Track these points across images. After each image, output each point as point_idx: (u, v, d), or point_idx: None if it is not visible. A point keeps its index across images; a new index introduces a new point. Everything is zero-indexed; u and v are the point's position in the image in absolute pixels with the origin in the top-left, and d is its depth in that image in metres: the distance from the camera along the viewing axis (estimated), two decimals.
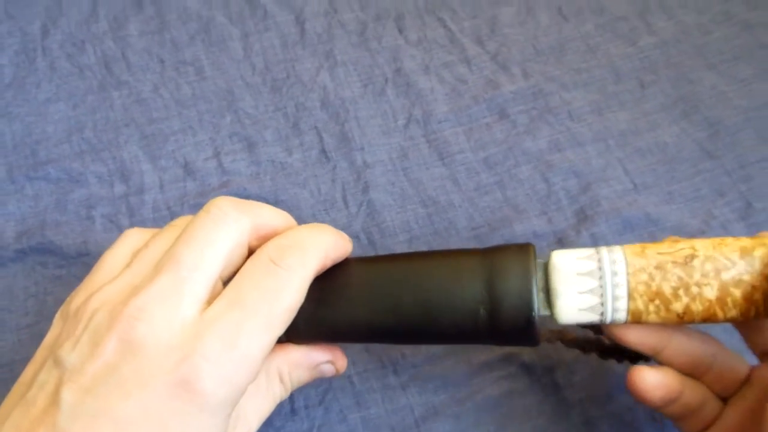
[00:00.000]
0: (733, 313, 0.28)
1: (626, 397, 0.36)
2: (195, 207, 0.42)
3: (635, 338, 0.30)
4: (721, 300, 0.27)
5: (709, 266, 0.27)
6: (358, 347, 0.38)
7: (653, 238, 0.41)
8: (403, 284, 0.29)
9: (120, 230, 0.42)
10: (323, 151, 0.45)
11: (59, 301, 0.39)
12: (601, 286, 0.28)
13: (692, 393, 0.30)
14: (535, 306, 0.27)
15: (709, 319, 0.28)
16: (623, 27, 0.50)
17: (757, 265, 0.27)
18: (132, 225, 0.42)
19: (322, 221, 0.42)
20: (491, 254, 0.29)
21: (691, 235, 0.41)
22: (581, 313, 0.28)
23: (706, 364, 0.31)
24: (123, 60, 0.48)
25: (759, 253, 0.27)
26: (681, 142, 0.45)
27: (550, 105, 0.46)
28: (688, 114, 0.46)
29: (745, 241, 0.28)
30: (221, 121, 0.46)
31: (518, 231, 0.41)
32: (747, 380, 0.30)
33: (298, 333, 0.29)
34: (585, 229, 0.41)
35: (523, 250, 0.29)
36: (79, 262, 0.40)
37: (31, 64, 0.47)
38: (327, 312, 0.29)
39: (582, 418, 0.36)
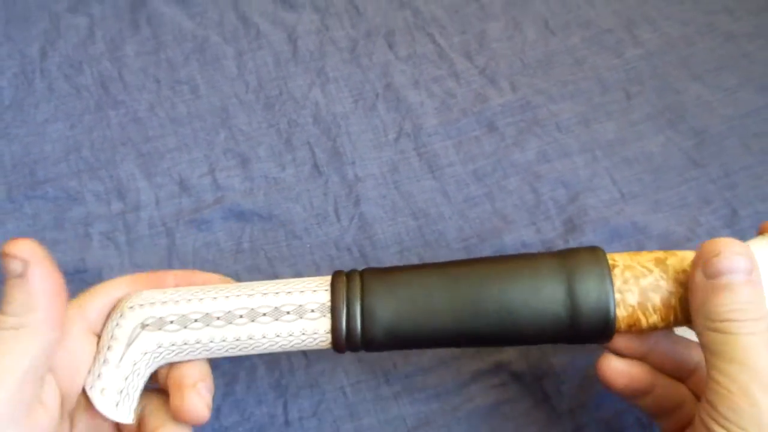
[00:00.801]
0: (654, 318, 0.29)
1: (614, 404, 0.37)
2: (190, 223, 0.43)
3: (623, 345, 0.31)
4: (642, 305, 0.29)
5: (628, 274, 0.29)
6: (349, 357, 0.39)
7: (640, 247, 0.42)
8: (485, 290, 0.29)
9: (117, 247, 0.43)
10: (315, 165, 0.46)
11: None
12: None
13: (668, 392, 0.31)
14: (613, 308, 0.28)
15: (634, 325, 0.29)
16: (609, 39, 0.51)
17: (671, 272, 0.29)
18: (129, 241, 0.43)
19: (315, 234, 0.43)
20: (567, 258, 0.30)
21: (679, 242, 0.42)
22: None
23: (689, 369, 0.32)
24: (119, 80, 0.49)
25: (671, 261, 0.29)
26: (667, 151, 0.46)
27: (538, 117, 0.47)
28: (674, 123, 0.47)
29: (659, 253, 0.30)
30: (216, 138, 0.47)
31: (507, 241, 0.42)
32: None
33: (376, 342, 0.30)
34: (573, 238, 0.42)
35: (596, 254, 0.30)
36: (76, 279, 0.41)
37: (29, 86, 0.48)
38: (407, 321, 0.29)
39: (572, 425, 0.37)
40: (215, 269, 0.42)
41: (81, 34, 0.51)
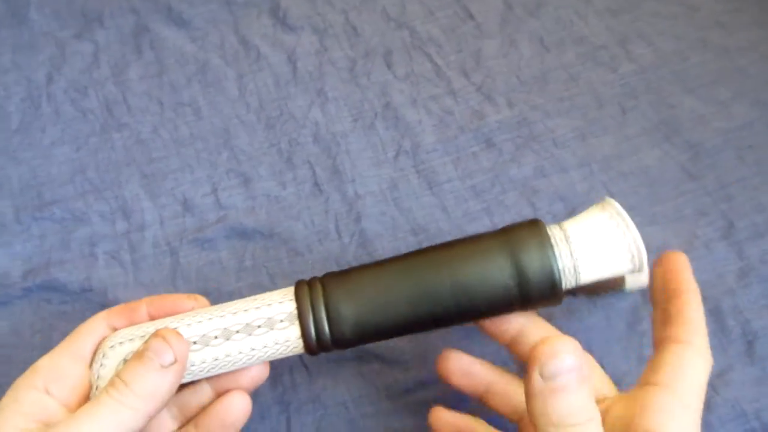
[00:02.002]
0: None
1: None
2: (194, 242, 0.44)
3: (458, 380, 0.34)
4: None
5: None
6: (351, 372, 0.39)
7: None
8: (437, 275, 0.31)
9: (122, 266, 0.43)
10: (316, 184, 0.46)
11: (64, 335, 0.40)
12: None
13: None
14: (557, 269, 0.30)
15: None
16: (604, 55, 0.51)
17: None
18: (133, 261, 0.43)
19: (317, 251, 0.44)
20: (508, 233, 0.31)
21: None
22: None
23: (522, 409, 0.33)
24: (124, 103, 0.50)
25: None
26: (663, 164, 0.46)
27: (535, 133, 0.48)
28: (669, 137, 0.47)
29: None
30: (218, 158, 0.48)
31: None
32: None
33: (344, 340, 0.32)
34: None
35: (534, 224, 0.31)
36: (82, 298, 0.42)
37: (36, 110, 0.50)
38: (370, 316, 0.31)
39: None
40: (218, 287, 0.43)
41: (86, 60, 0.52)
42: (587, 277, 0.31)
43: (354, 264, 0.43)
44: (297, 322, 0.31)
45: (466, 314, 0.31)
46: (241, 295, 0.42)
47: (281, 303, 0.32)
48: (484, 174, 0.46)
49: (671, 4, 0.53)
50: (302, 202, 0.46)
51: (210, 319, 0.31)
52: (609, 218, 0.32)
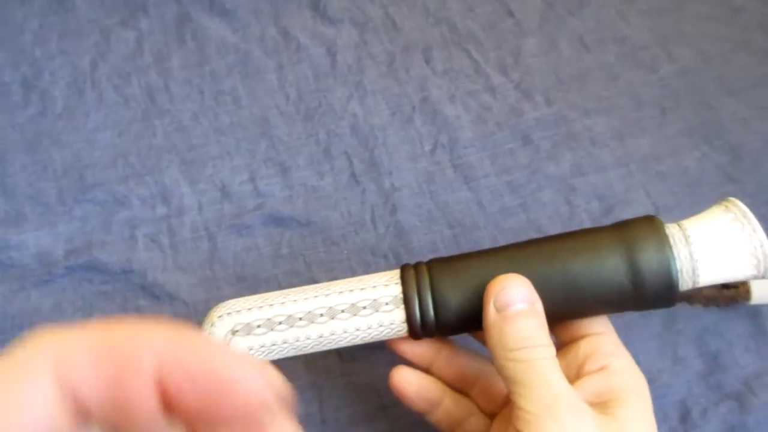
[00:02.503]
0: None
1: None
2: (231, 228, 0.44)
3: (409, 351, 0.33)
4: None
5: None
6: (385, 359, 0.39)
7: None
8: (548, 268, 0.30)
9: (161, 249, 0.44)
10: (353, 175, 0.47)
11: (104, 315, 0.41)
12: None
13: (455, 404, 0.33)
14: (675, 272, 0.29)
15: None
16: (644, 56, 0.51)
17: None
18: (172, 244, 0.44)
19: (352, 242, 0.44)
20: (624, 230, 0.30)
21: None
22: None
23: (471, 378, 0.33)
24: (165, 91, 0.51)
25: None
26: (702, 166, 0.46)
27: (573, 131, 0.48)
28: (709, 139, 0.47)
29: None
30: (257, 147, 0.48)
31: None
32: (508, 399, 0.31)
33: (449, 327, 0.31)
34: None
35: (651, 222, 0.30)
36: (122, 278, 0.43)
37: (80, 96, 0.51)
38: (476, 303, 0.31)
39: None
40: (255, 273, 0.43)
41: (130, 47, 0.53)
42: (706, 279, 0.30)
43: (389, 255, 0.43)
44: (402, 306, 0.31)
45: (575, 310, 0.31)
46: (278, 281, 0.43)
47: (387, 286, 0.32)
48: (521, 170, 0.46)
49: (714, 6, 0.53)
50: (339, 192, 0.46)
51: (316, 297, 0.32)
52: (733, 220, 0.30)
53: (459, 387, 0.34)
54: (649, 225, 0.30)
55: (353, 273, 0.43)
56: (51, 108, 0.50)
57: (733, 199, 0.31)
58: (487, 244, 0.43)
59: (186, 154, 0.48)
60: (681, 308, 0.40)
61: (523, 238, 0.43)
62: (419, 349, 0.33)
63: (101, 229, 0.45)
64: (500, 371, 0.29)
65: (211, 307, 0.33)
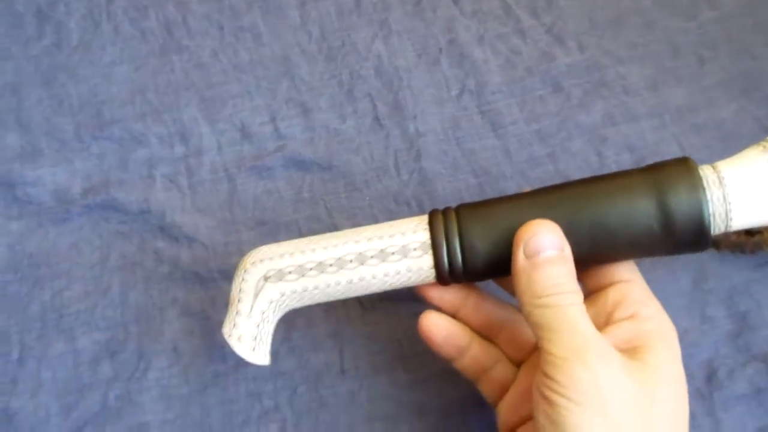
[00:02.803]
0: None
1: None
2: (251, 170, 0.43)
3: (437, 296, 0.33)
4: None
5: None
6: (406, 310, 0.39)
7: None
8: (577, 212, 0.30)
9: (179, 190, 0.43)
10: (376, 118, 0.45)
11: (121, 255, 0.41)
12: None
13: (483, 351, 0.33)
14: (708, 216, 0.28)
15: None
16: (682, 1, 0.49)
17: None
18: (191, 185, 0.43)
19: (374, 187, 0.43)
20: (656, 172, 0.30)
21: None
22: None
23: (498, 325, 0.33)
24: (183, 25, 0.49)
25: None
26: (739, 118, 0.44)
27: (605, 79, 0.46)
28: (748, 91, 0.45)
29: None
30: (278, 87, 0.47)
31: None
32: (536, 347, 0.32)
33: (477, 272, 0.31)
34: None
35: (685, 164, 0.30)
36: (140, 219, 0.42)
37: (96, 28, 0.49)
38: (504, 249, 0.30)
39: None
40: (275, 217, 0.42)
41: None
42: (739, 223, 0.29)
43: (411, 202, 0.42)
44: (430, 252, 0.31)
45: (605, 254, 0.30)
46: (298, 226, 0.42)
47: (415, 232, 0.31)
48: (551, 118, 0.45)
49: None
50: (362, 136, 0.45)
51: (345, 243, 0.32)
52: None
53: (486, 334, 0.34)
54: (682, 166, 0.29)
55: (375, 220, 0.42)
56: (66, 40, 0.48)
57: None
58: None
59: (205, 92, 0.47)
60: (712, 266, 0.39)
61: None
62: (447, 295, 0.33)
63: (119, 167, 0.44)
64: (528, 317, 0.29)
65: (244, 253, 0.33)
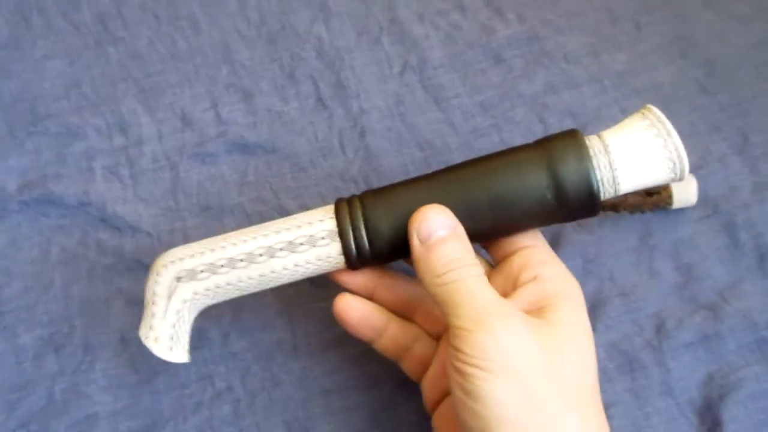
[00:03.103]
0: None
1: None
2: (194, 156, 0.43)
3: (350, 281, 0.33)
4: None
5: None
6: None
7: None
8: (475, 189, 0.31)
9: (120, 180, 0.42)
10: (320, 99, 0.45)
11: (62, 249, 0.40)
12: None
13: (401, 330, 0.33)
14: (596, 181, 0.29)
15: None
16: None
17: None
18: (132, 175, 0.42)
19: (320, 167, 0.43)
20: (545, 145, 0.31)
21: (690, 170, 0.41)
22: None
23: (414, 303, 0.34)
24: (118, 17, 0.48)
25: None
26: (677, 80, 0.45)
27: (546, 49, 0.46)
28: (685, 53, 0.46)
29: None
30: (217, 73, 0.46)
31: None
32: None
33: (384, 255, 0.32)
34: None
35: (572, 135, 0.31)
36: (81, 212, 0.41)
37: (26, 23, 0.48)
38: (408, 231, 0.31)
39: None
40: (220, 202, 0.42)
41: None
42: (627, 186, 0.30)
43: (358, 179, 0.42)
44: (338, 239, 0.31)
45: (504, 227, 0.31)
46: (243, 208, 0.41)
47: (322, 221, 0.32)
48: (493, 90, 0.45)
49: None
50: (305, 117, 0.44)
51: (254, 238, 0.32)
52: (649, 126, 0.30)
53: (403, 313, 0.34)
54: (570, 138, 0.31)
55: (322, 199, 0.42)
56: None
57: (650, 106, 0.31)
58: None
59: (143, 82, 0.46)
60: (657, 222, 0.39)
61: None
62: (360, 279, 0.33)
63: (56, 161, 0.43)
64: (434, 298, 0.29)
65: (191, 239, 0.33)
